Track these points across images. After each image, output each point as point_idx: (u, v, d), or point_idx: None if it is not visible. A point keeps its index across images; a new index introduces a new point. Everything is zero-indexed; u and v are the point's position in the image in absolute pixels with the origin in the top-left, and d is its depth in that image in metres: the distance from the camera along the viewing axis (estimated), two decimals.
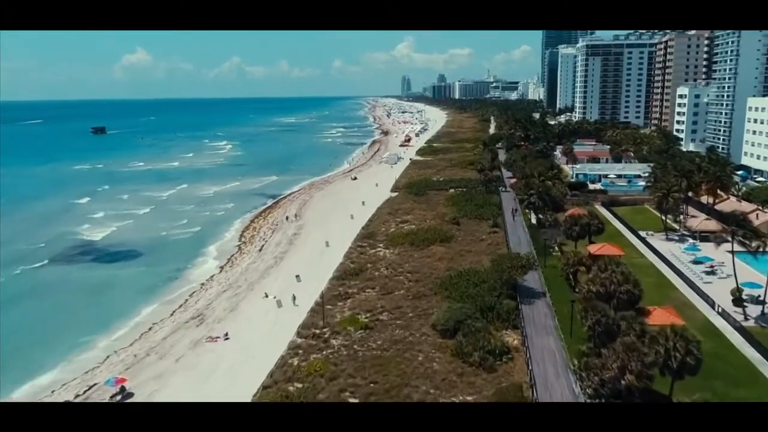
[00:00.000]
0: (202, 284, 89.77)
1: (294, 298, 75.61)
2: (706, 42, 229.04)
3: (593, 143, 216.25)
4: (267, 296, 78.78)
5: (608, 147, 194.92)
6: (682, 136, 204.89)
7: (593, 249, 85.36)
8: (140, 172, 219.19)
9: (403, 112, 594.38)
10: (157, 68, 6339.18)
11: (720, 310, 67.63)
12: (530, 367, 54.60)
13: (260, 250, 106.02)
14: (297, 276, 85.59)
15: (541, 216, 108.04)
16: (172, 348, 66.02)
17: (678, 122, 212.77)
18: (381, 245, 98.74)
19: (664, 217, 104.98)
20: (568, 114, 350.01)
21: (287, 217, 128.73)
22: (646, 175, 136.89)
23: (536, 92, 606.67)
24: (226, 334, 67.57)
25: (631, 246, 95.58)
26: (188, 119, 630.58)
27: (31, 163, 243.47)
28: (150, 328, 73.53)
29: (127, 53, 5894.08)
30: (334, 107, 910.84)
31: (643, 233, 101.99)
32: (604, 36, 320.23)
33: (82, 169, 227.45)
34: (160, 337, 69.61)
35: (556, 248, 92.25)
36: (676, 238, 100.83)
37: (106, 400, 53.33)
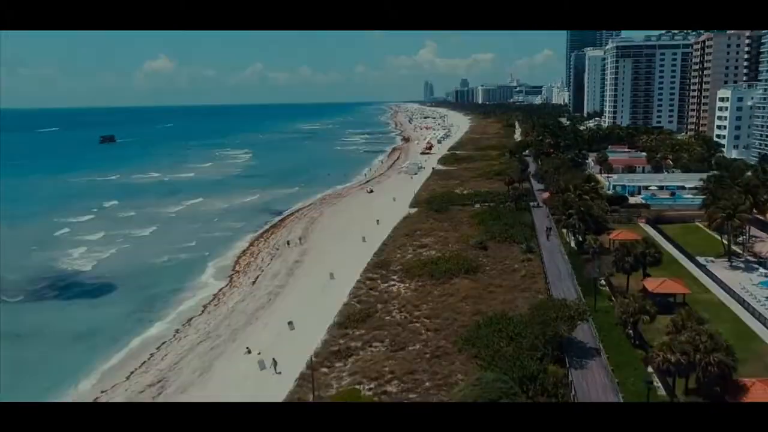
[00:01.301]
0: (177, 330, 74.78)
1: (275, 363, 59.54)
2: (747, 41, 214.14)
3: (627, 150, 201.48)
4: (249, 352, 63.46)
5: (644, 154, 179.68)
6: (723, 142, 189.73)
7: (651, 285, 70.64)
8: (153, 184, 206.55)
9: (425, 118, 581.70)
10: (179, 75, 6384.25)
11: None
12: None
13: (254, 282, 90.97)
14: (290, 323, 70.16)
15: (581, 238, 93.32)
16: None
17: (719, 127, 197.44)
18: (395, 277, 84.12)
19: (726, 241, 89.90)
20: (597, 119, 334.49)
21: (288, 242, 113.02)
22: (691, 186, 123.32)
23: (561, 96, 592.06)
24: None
25: (691, 276, 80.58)
26: (208, 126, 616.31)
27: (38, 172, 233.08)
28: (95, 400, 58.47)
29: (148, 59, 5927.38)
30: (356, 113, 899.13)
31: (701, 259, 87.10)
32: (635, 36, 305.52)
33: (88, 181, 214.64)
34: None
35: (603, 280, 77.51)
36: (742, 265, 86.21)
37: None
